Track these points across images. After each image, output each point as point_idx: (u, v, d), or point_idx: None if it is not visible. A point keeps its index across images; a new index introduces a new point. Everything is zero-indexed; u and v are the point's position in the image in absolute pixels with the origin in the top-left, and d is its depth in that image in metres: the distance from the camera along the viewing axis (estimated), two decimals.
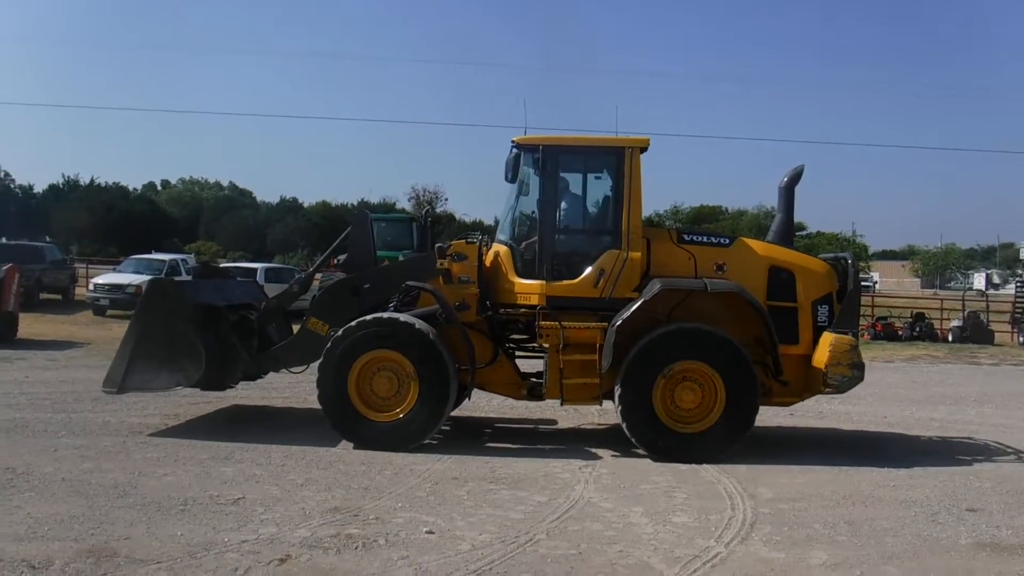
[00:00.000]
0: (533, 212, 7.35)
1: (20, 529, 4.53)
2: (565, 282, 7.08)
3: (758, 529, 4.97)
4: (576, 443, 7.42)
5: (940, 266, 66.19)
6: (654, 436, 6.71)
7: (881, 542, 4.80)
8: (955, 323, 21.79)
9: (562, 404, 7.20)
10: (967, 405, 10.69)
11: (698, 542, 4.70)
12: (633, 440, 6.77)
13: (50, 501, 5.07)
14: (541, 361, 7.34)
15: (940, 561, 4.52)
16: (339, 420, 6.85)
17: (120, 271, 20.70)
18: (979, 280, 55.59)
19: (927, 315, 22.69)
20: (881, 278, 62.41)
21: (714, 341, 6.71)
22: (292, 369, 7.72)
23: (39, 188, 57.65)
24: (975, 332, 21.06)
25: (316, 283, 10.27)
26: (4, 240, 23.23)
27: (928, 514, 5.39)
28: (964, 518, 5.33)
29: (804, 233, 58.27)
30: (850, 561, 4.45)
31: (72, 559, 4.11)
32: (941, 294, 39.89)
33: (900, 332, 21.40)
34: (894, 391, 11.71)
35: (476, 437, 7.65)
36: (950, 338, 21.17)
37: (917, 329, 21.54)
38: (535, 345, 7.40)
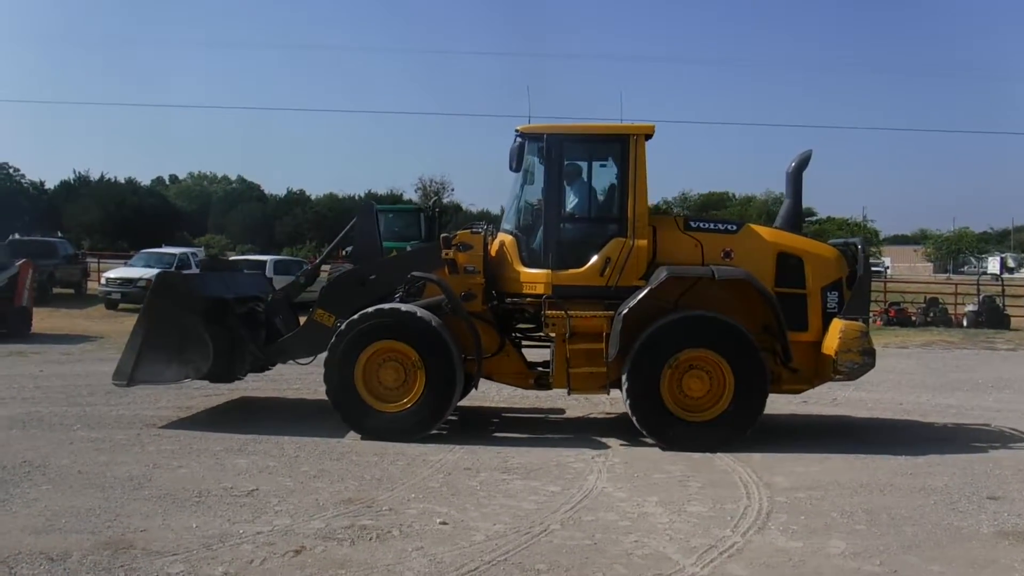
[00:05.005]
0: (538, 201, 7.29)
1: (38, 522, 4.56)
2: (571, 271, 7.02)
3: (774, 518, 4.93)
4: (587, 432, 7.38)
5: (953, 250, 65.50)
6: (662, 425, 6.66)
7: (901, 531, 4.74)
8: (970, 308, 21.54)
9: (569, 393, 7.16)
10: (984, 391, 10.56)
11: (714, 532, 4.66)
12: (641, 429, 6.73)
13: (67, 494, 5.10)
14: (548, 350, 7.30)
15: (962, 550, 4.45)
16: (347, 411, 6.84)
17: (131, 265, 20.84)
18: (993, 264, 54.91)
19: (941, 300, 22.45)
20: (893, 263, 61.86)
21: (721, 328, 6.64)
22: (299, 360, 7.72)
23: (51, 184, 58.10)
24: (990, 317, 20.81)
25: (324, 274, 10.28)
26: (17, 236, 23.37)
27: (948, 502, 5.33)
28: (985, 506, 5.26)
29: (814, 219, 57.80)
30: (869, 550, 4.40)
31: (89, 551, 4.13)
32: (955, 279, 39.48)
33: (913, 318, 21.20)
34: (909, 377, 11.59)
35: (486, 427, 7.63)
36: (965, 323, 20.94)
37: (931, 314, 21.32)
38: (541, 334, 7.37)
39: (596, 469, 6.04)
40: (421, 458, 6.22)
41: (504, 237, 7.36)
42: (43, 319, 15.63)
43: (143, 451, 6.25)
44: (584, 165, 7.44)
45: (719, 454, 6.46)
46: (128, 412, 7.73)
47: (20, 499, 4.96)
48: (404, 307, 6.90)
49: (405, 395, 6.83)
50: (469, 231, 7.42)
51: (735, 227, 7.39)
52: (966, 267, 62.70)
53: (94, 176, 58.21)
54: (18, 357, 11.59)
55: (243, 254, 33.10)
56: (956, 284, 26.99)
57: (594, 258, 7.03)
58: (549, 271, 7.03)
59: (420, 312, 6.83)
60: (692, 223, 7.39)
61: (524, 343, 7.75)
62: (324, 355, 6.99)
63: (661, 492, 5.47)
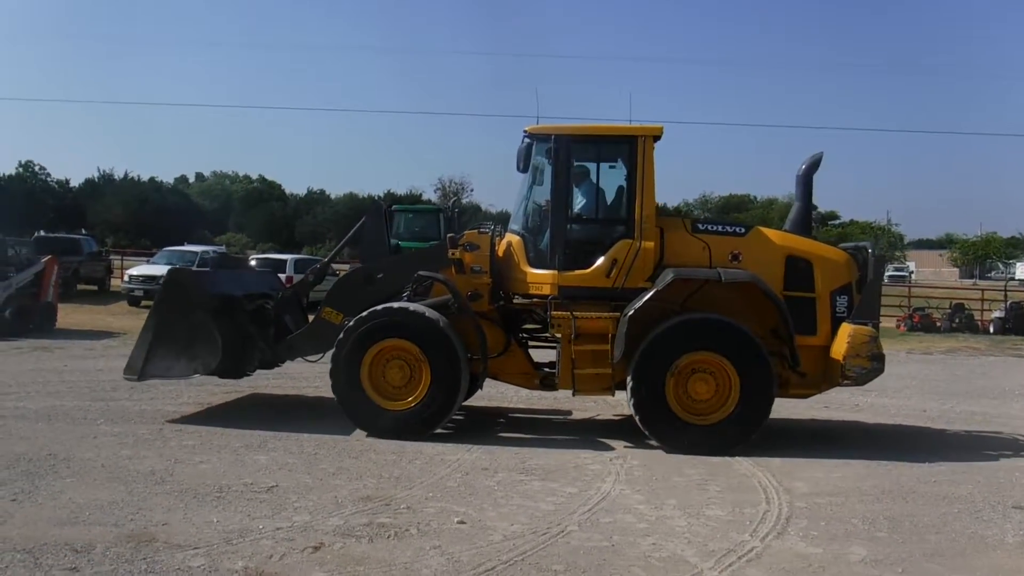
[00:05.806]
0: (546, 201, 7.27)
1: (63, 514, 4.64)
2: (577, 272, 7.00)
3: (794, 524, 4.87)
4: (604, 434, 7.35)
5: (980, 255, 64.23)
6: (667, 427, 6.60)
7: (923, 539, 4.66)
8: (997, 314, 21.14)
9: (574, 394, 7.14)
10: (1011, 399, 10.36)
11: (733, 536, 4.62)
12: (645, 431, 6.67)
13: (91, 487, 5.19)
14: (554, 351, 7.28)
15: (986, 560, 4.37)
16: (353, 410, 6.88)
17: (154, 263, 21.16)
18: (1021, 269, 53.82)
19: (967, 306, 22.04)
20: (917, 268, 60.88)
21: (726, 331, 6.57)
22: (308, 358, 7.77)
23: (75, 182, 59.24)
24: (1018, 323, 20.40)
25: (342, 273, 10.36)
26: (43, 233, 23.88)
27: (972, 511, 5.23)
28: (1010, 515, 5.15)
29: (837, 222, 57.00)
30: (891, 558, 4.33)
31: (113, 543, 4.19)
32: (981, 284, 38.73)
33: (938, 323, 20.84)
34: (933, 384, 11.40)
35: (504, 428, 7.64)
36: (991, 329, 20.56)
37: (956, 320, 20.94)
38: (548, 335, 7.36)
39: (614, 471, 6.02)
40: (439, 457, 6.24)
41: (511, 237, 7.35)
42: (67, 315, 15.92)
43: (165, 446, 6.34)
44: (592, 166, 7.41)
45: (738, 458, 6.40)
46: (150, 407, 7.85)
47: (45, 491, 5.06)
48: (408, 306, 6.92)
49: (411, 393, 6.85)
50: (476, 231, 7.44)
51: (743, 230, 7.33)
52: (993, 272, 61.46)
53: (118, 174, 59.30)
54: (43, 352, 11.82)
55: (264, 252, 33.47)
56: (983, 290, 26.48)
57: (601, 259, 6.99)
58: (556, 272, 7.01)
59: (413, 307, 6.85)
60: (700, 225, 7.34)
61: (531, 343, 7.74)
62: (331, 353, 6.99)
63: (679, 495, 5.44)
